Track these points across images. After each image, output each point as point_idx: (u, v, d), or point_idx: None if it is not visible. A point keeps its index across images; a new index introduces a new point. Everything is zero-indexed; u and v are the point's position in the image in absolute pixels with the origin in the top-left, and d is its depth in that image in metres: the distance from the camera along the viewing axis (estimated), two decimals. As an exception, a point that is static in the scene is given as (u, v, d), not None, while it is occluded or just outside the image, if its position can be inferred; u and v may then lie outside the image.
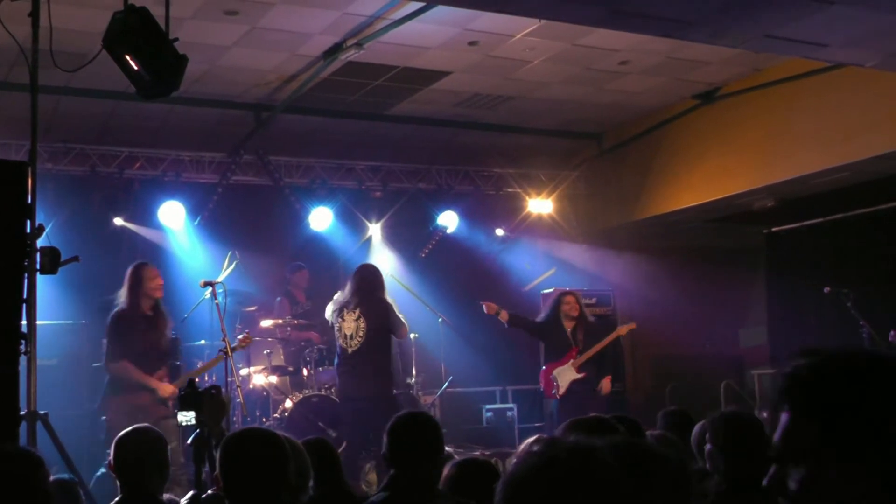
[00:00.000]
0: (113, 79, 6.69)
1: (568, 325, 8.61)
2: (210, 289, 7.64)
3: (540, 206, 11.60)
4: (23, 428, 4.64)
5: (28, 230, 4.61)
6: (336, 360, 7.95)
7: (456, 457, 4.05)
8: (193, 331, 8.87)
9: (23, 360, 4.50)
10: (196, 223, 10.09)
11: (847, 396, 1.38)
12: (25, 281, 4.55)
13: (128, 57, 5.26)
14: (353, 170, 10.98)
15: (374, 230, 11.19)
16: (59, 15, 5.45)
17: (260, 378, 9.13)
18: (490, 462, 4.19)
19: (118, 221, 9.82)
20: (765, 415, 8.17)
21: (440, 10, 7.37)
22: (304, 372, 9.23)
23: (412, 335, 9.91)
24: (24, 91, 5.43)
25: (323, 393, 8.90)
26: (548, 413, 9.51)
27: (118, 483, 3.73)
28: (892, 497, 1.33)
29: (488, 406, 10.62)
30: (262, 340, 9.43)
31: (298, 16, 7.63)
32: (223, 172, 10.28)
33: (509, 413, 10.38)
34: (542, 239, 11.84)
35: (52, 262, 4.82)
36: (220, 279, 7.96)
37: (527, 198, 11.61)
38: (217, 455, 3.06)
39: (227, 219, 10.26)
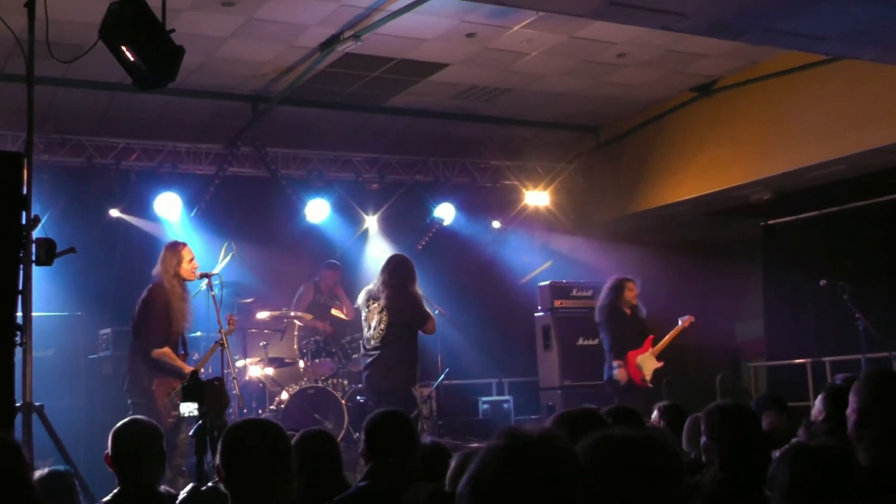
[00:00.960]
0: (109, 70, 6.67)
1: (628, 312, 8.60)
2: (206, 280, 7.63)
3: (537, 198, 11.60)
4: (18, 419, 4.63)
5: (24, 221, 4.59)
6: (361, 352, 7.95)
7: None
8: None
9: (18, 351, 4.49)
10: (192, 215, 10.07)
11: None
12: (21, 272, 4.54)
13: (124, 48, 5.24)
14: (349, 162, 10.97)
15: (371, 222, 11.19)
16: (55, 6, 5.44)
17: (256, 370, 9.14)
18: None
19: (114, 213, 9.79)
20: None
21: (437, 2, 7.36)
22: (301, 364, 9.24)
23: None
24: (20, 82, 5.42)
25: (319, 385, 8.91)
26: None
27: (116, 475, 3.73)
28: None
29: (485, 398, 10.62)
30: (258, 332, 9.45)
31: (295, 7, 7.61)
32: (220, 164, 10.26)
33: (506, 405, 10.40)
34: (539, 231, 11.84)
35: (47, 253, 4.81)
36: (216, 271, 7.96)
37: (524, 190, 11.61)
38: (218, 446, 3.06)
39: (223, 210, 10.25)
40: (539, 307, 10.45)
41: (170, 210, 9.84)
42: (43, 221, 4.87)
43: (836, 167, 9.46)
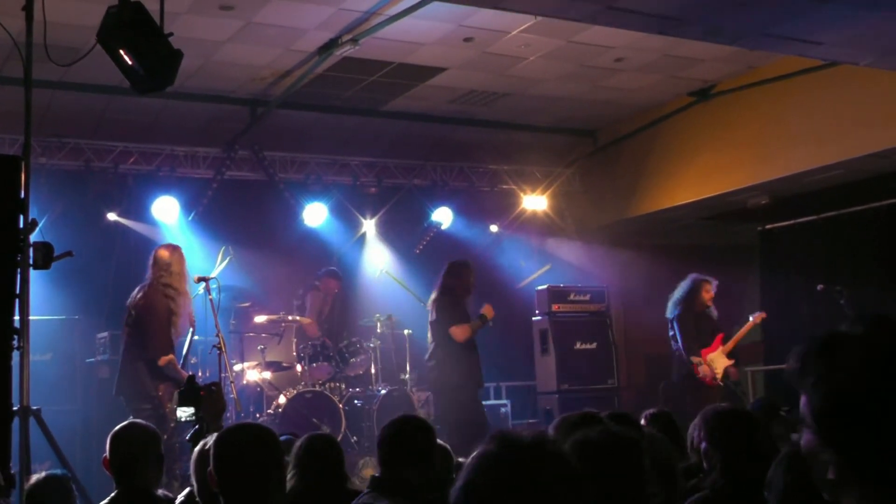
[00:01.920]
0: (107, 73, 6.66)
1: (701, 311, 8.68)
2: (204, 284, 7.63)
3: (534, 202, 11.60)
4: (15, 423, 4.63)
5: (21, 225, 4.59)
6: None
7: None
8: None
9: (15, 355, 4.49)
10: (190, 218, 10.06)
11: None
12: (18, 276, 4.54)
13: (122, 51, 5.24)
14: (347, 165, 10.98)
15: (369, 226, 11.18)
16: (53, 9, 5.44)
17: (253, 374, 9.13)
18: None
19: (112, 216, 9.78)
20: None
21: (436, 6, 7.36)
22: (298, 368, 9.23)
23: (406, 331, 9.92)
24: (17, 85, 5.41)
25: (317, 389, 8.90)
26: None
27: (113, 479, 3.72)
28: None
29: (482, 402, 10.60)
30: (255, 336, 9.44)
31: (293, 11, 7.62)
32: (217, 168, 10.26)
33: (503, 409, 10.38)
34: (537, 236, 11.85)
35: (45, 257, 4.80)
36: (213, 274, 7.97)
37: (521, 194, 11.61)
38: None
39: (221, 214, 10.24)
40: (537, 311, 10.44)
41: (167, 214, 9.83)
42: (40, 225, 4.86)
43: (834, 172, 9.47)
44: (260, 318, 9.35)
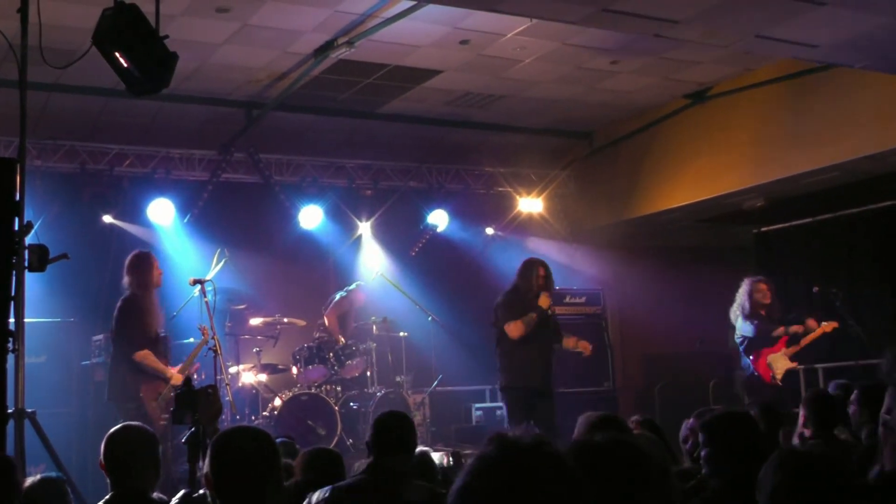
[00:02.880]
0: (103, 76, 6.65)
1: (763, 312, 8.71)
2: (199, 287, 7.63)
3: (530, 205, 11.61)
4: (11, 426, 4.61)
5: (16, 227, 4.58)
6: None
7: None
8: (182, 329, 8.83)
9: (10, 358, 4.47)
10: (185, 221, 10.05)
11: None
12: (13, 278, 4.53)
13: (117, 54, 5.23)
14: (343, 168, 10.97)
15: (365, 228, 11.18)
16: (48, 11, 5.43)
17: (249, 376, 9.12)
18: None
19: (107, 219, 9.77)
20: (752, 413, 8.19)
21: (431, 9, 7.37)
22: (294, 370, 9.22)
23: (402, 333, 9.92)
24: (12, 87, 5.39)
25: (312, 391, 8.90)
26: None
27: (108, 481, 3.71)
28: None
29: (478, 405, 10.61)
30: (251, 338, 9.43)
31: (289, 13, 7.61)
32: (213, 170, 10.25)
33: (499, 412, 10.37)
34: (532, 238, 11.84)
35: (40, 259, 4.80)
36: (209, 277, 7.96)
37: (517, 197, 11.61)
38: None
39: (216, 216, 10.22)
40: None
41: (163, 216, 9.82)
42: (36, 227, 4.85)
43: (829, 174, 9.48)
44: (255, 321, 9.34)
